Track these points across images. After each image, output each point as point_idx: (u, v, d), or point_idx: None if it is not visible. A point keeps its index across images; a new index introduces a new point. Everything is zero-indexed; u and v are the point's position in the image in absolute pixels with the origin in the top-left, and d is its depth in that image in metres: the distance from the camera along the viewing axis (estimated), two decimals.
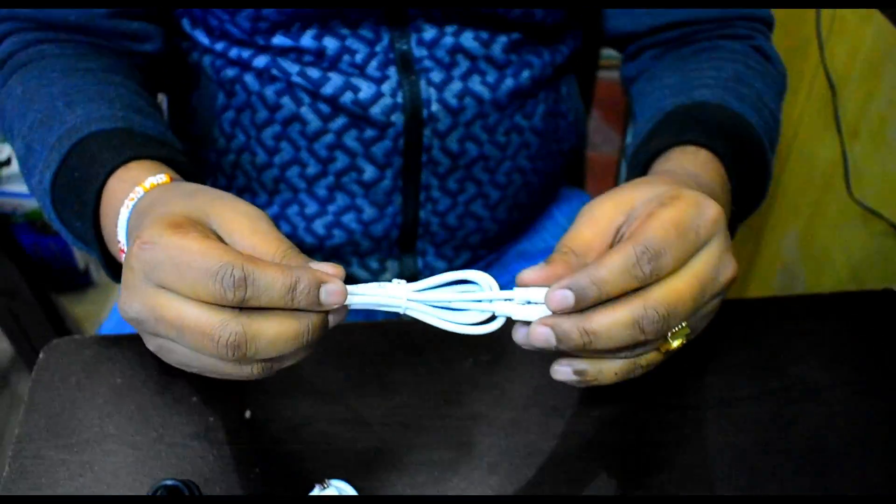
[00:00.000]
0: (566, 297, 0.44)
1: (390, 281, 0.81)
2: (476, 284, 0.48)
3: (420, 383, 0.60)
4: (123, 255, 0.49)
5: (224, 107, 0.76)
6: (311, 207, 0.77)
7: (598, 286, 0.44)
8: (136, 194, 0.52)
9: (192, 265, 0.42)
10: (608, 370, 0.48)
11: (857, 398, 0.62)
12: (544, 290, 0.46)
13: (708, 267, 0.46)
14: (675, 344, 0.47)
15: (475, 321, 0.48)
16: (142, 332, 0.47)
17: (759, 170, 0.65)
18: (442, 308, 0.48)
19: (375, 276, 0.81)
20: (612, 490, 0.54)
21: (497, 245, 0.86)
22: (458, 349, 0.63)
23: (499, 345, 0.63)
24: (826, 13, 1.18)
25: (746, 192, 0.63)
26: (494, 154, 0.77)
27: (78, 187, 0.56)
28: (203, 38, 0.74)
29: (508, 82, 0.75)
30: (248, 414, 0.57)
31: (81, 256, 1.66)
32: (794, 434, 0.58)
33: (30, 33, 0.68)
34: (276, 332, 0.43)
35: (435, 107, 0.72)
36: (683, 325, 0.47)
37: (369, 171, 0.74)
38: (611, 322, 0.44)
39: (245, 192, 0.78)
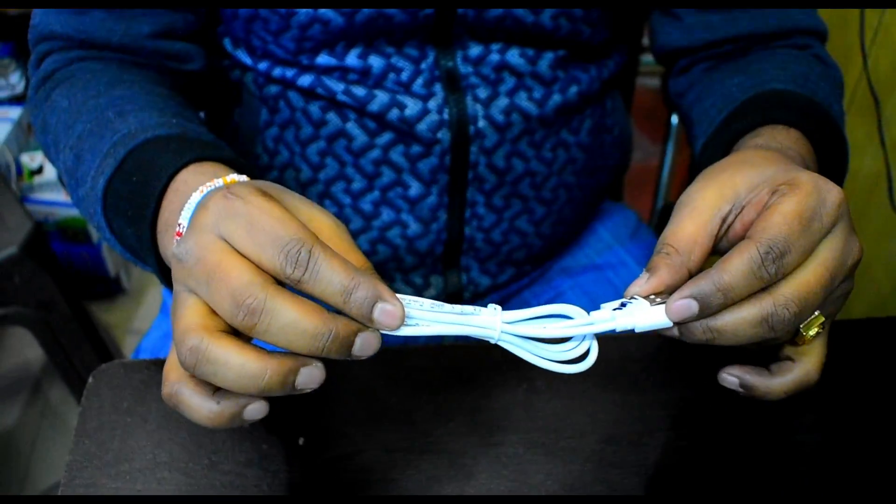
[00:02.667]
0: (689, 307, 0.43)
1: (434, 297, 0.80)
2: (569, 318, 0.45)
3: (474, 409, 0.59)
4: (178, 239, 0.48)
5: (267, 123, 0.75)
6: (356, 223, 0.76)
7: (724, 293, 0.42)
8: (214, 184, 0.49)
9: (266, 228, 0.40)
10: (776, 389, 0.47)
11: None
12: (646, 303, 0.44)
13: (835, 254, 0.44)
14: (812, 333, 0.45)
15: (571, 355, 0.45)
16: (174, 277, 0.43)
17: (840, 153, 0.63)
18: (535, 340, 0.45)
19: (419, 292, 0.80)
20: None
21: (541, 261, 0.85)
22: (513, 373, 0.61)
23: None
24: (870, 21, 1.15)
25: (830, 173, 0.61)
26: (541, 170, 0.76)
27: (136, 192, 0.54)
28: (245, 58, 0.73)
29: (556, 98, 0.74)
30: (301, 441, 0.56)
31: (113, 264, 1.66)
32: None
33: (72, 51, 0.67)
34: (296, 318, 0.39)
35: (482, 123, 0.71)
36: (816, 313, 0.45)
37: (415, 187, 0.73)
38: (738, 321, 0.43)
39: None
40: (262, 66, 0.72)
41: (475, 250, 0.79)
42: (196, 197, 0.48)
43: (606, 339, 0.66)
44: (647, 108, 1.50)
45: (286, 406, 0.51)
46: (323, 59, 0.69)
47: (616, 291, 0.86)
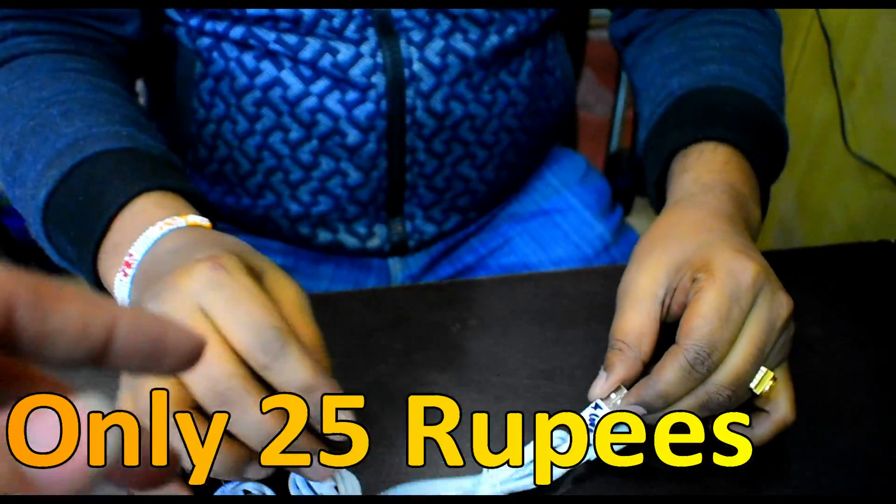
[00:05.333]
0: (638, 411, 0.48)
1: (378, 247, 0.80)
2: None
3: (407, 350, 0.59)
4: (126, 268, 0.48)
5: (202, 75, 0.74)
6: (296, 174, 0.75)
7: (664, 398, 0.47)
8: (174, 222, 0.49)
9: (248, 310, 0.40)
10: (759, 439, 0.50)
11: (854, 350, 0.61)
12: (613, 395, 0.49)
13: (761, 327, 0.47)
14: (765, 388, 0.48)
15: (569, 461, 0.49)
16: None
17: (778, 141, 0.64)
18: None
19: (363, 241, 0.80)
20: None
21: (487, 207, 0.85)
22: (447, 313, 0.61)
23: (486, 308, 0.62)
24: None
25: (770, 164, 0.62)
26: (480, 113, 0.76)
27: (81, 214, 0.52)
28: (176, 15, 0.72)
29: (493, 39, 0.73)
30: None
31: None
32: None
33: (8, 23, 0.65)
34: (265, 420, 0.40)
35: (417, 66, 0.70)
36: (763, 371, 0.48)
37: (353, 135, 0.73)
38: (682, 406, 0.48)
39: (227, 162, 0.77)
40: (194, 21, 0.71)
41: (418, 197, 0.78)
42: (155, 232, 0.48)
43: (542, 277, 0.66)
44: (606, 59, 1.48)
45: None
46: (254, 10, 0.68)
47: (565, 235, 0.86)
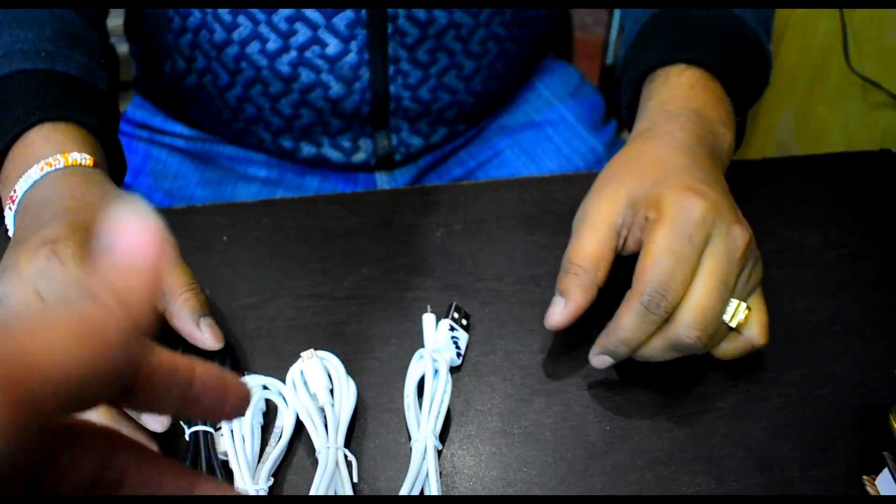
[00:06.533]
0: (606, 360, 0.48)
1: (364, 161, 0.77)
2: None
3: (388, 255, 0.57)
4: (10, 203, 0.50)
5: None
6: (276, 86, 0.73)
7: (626, 343, 0.47)
8: (56, 162, 0.50)
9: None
10: (724, 355, 0.49)
11: (849, 259, 0.59)
12: None
13: (718, 263, 0.46)
14: (740, 320, 0.47)
15: None
16: None
17: (758, 60, 0.61)
18: None
19: (348, 155, 0.78)
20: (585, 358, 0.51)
21: (476, 119, 0.82)
22: (431, 218, 0.59)
23: (472, 214, 0.60)
24: None
25: (747, 85, 0.60)
26: (466, 21, 0.73)
27: None
28: None
29: None
30: (207, 291, 0.54)
31: None
32: (784, 298, 0.56)
33: None
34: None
35: None
36: (735, 303, 0.47)
37: (333, 45, 0.70)
38: (652, 351, 0.47)
39: (206, 73, 0.74)
40: None
41: (403, 110, 0.76)
42: (35, 172, 0.50)
43: (529, 182, 0.64)
44: None
45: (191, 261, 0.49)
46: None
47: (556, 149, 0.84)
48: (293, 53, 0.71)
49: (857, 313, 0.55)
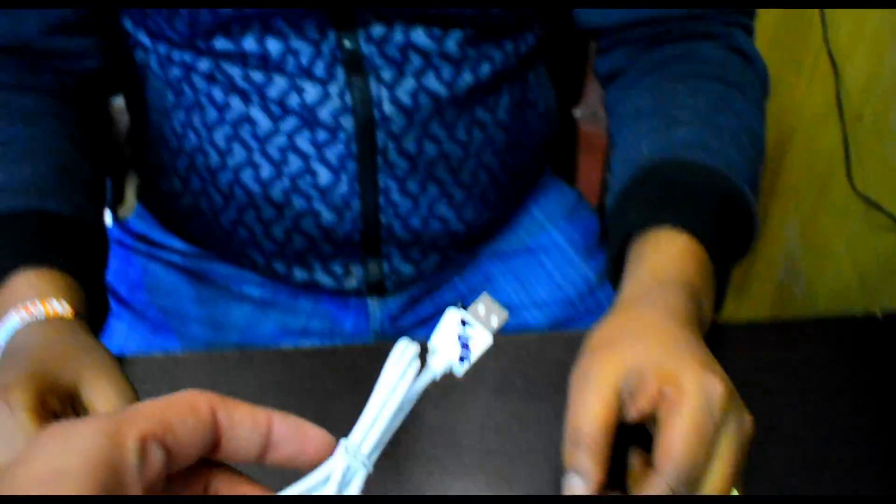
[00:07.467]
0: None
1: (355, 288, 0.77)
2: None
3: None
4: None
5: (174, 105, 0.72)
6: (268, 212, 0.74)
7: None
8: (35, 310, 0.52)
9: (14, 449, 0.45)
10: None
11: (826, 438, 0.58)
12: None
13: (733, 451, 0.45)
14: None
15: None
16: None
17: (744, 226, 0.61)
18: None
19: (339, 281, 0.78)
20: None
21: (469, 246, 0.82)
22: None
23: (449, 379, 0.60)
24: None
25: (732, 252, 0.60)
26: (456, 152, 0.73)
27: None
28: (145, 40, 0.71)
29: (466, 78, 0.71)
30: None
31: None
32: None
33: None
34: None
35: (387, 107, 0.68)
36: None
37: (324, 176, 0.71)
38: None
39: (201, 195, 0.75)
40: (162, 49, 0.70)
41: (395, 238, 0.76)
42: (14, 320, 0.52)
43: (503, 343, 0.64)
44: None
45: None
46: (220, 43, 0.67)
47: (548, 275, 0.84)
48: (286, 181, 0.72)
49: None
